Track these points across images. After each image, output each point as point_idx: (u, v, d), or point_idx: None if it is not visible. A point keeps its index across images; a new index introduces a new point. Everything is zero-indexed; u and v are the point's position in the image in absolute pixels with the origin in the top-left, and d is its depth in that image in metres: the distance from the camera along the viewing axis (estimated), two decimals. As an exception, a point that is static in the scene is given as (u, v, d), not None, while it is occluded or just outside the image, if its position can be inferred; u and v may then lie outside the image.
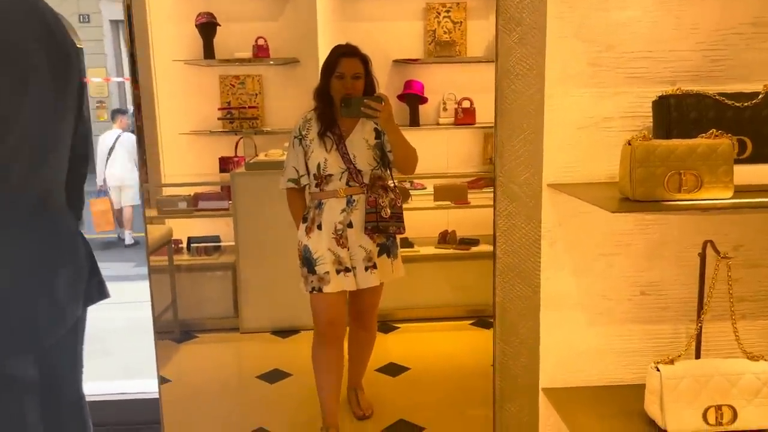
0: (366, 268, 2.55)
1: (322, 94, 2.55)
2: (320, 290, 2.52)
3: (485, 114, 5.03)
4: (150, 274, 3.01)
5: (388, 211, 2.46)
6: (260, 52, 4.86)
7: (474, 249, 3.98)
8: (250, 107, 5.06)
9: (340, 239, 2.53)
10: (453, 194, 3.82)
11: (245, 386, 3.14)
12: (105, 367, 3.75)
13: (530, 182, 1.90)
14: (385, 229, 2.49)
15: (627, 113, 1.88)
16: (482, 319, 3.91)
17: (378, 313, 2.80)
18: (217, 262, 3.89)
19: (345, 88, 2.46)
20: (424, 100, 4.22)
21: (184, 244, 4.08)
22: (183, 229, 4.80)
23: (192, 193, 4.02)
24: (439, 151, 4.33)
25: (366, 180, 2.53)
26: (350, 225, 2.52)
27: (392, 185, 2.56)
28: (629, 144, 1.53)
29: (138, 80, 3.72)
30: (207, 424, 2.88)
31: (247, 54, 4.81)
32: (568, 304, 1.97)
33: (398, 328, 3.64)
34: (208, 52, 4.82)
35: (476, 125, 5.05)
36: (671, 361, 1.65)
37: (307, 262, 2.55)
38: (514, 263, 1.97)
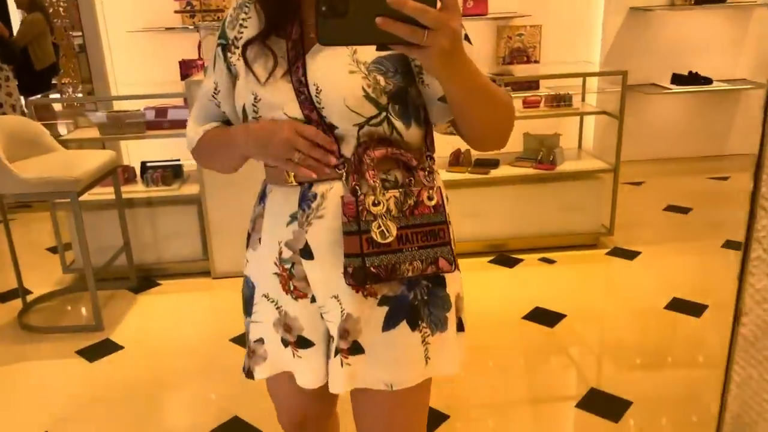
0: (336, 353, 1.08)
1: None
2: (249, 374, 1.20)
3: (499, 2, 4.21)
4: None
5: (392, 228, 1.00)
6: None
7: (493, 172, 3.27)
8: (213, -3, 4.18)
9: (288, 279, 1.11)
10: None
11: (218, 354, 2.52)
12: None
13: None
14: (387, 272, 1.00)
15: None
16: (503, 256, 3.28)
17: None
18: (179, 193, 3.16)
19: None
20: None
21: (138, 171, 3.34)
22: (135, 153, 4.03)
23: (142, 108, 3.21)
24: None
25: (348, 150, 1.03)
26: (307, 253, 1.07)
27: (421, 162, 1.07)
28: None
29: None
30: (169, 407, 2.28)
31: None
32: None
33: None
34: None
35: (489, 16, 4.23)
36: None
37: (245, 303, 1.21)
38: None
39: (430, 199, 1.03)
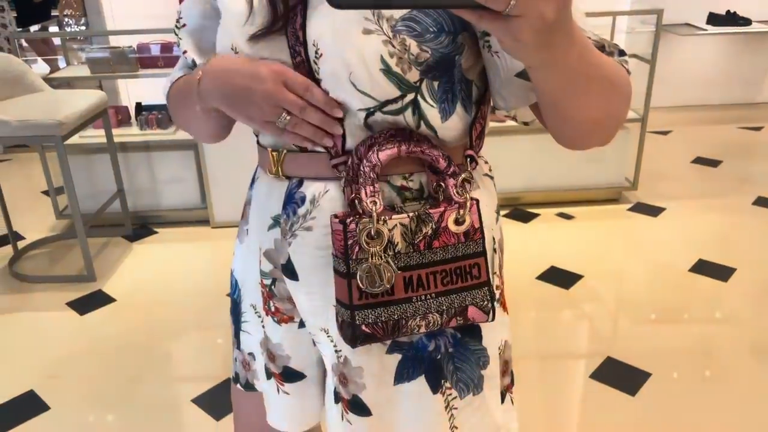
0: (336, 398, 0.82)
1: None
2: (247, 387, 0.97)
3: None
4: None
5: (387, 275, 0.69)
6: None
7: (508, 120, 3.03)
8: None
9: (269, 298, 0.85)
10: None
11: (216, 308, 2.41)
12: None
13: None
14: (386, 332, 0.71)
15: None
16: (518, 210, 3.10)
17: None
18: (176, 137, 2.97)
19: None
20: None
21: (132, 113, 3.15)
22: (134, 92, 3.83)
23: (134, 45, 2.99)
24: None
25: (353, 140, 0.72)
26: (289, 272, 0.80)
27: (453, 163, 0.73)
28: None
29: None
30: (161, 364, 2.18)
31: None
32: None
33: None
34: None
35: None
36: None
37: (233, 305, 0.96)
38: None
39: (459, 222, 0.71)
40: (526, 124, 0.77)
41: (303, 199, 0.75)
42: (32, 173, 3.80)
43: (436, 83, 0.69)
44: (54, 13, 6.14)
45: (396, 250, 0.69)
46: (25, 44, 6.28)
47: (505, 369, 0.85)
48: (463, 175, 0.72)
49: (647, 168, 3.24)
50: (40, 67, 5.64)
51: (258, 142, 0.82)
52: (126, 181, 2.96)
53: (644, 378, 1.95)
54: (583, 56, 0.58)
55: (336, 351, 0.79)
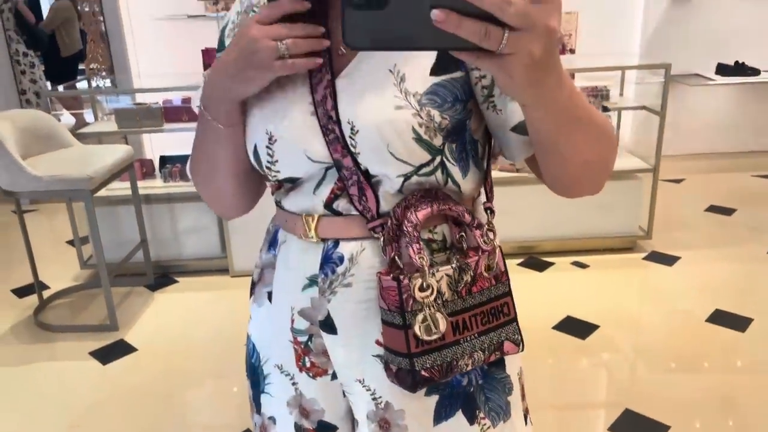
0: None
1: None
2: None
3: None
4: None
5: (441, 322, 0.76)
6: None
7: (523, 170, 3.10)
8: (237, -16, 4.07)
9: (304, 354, 0.88)
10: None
11: (234, 355, 2.44)
12: None
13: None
14: (441, 373, 0.77)
15: None
16: (533, 258, 3.13)
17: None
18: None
19: None
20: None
21: (156, 166, 3.26)
22: (158, 144, 3.97)
23: (161, 101, 3.12)
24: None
25: (387, 204, 0.79)
26: (328, 327, 0.84)
27: (474, 217, 0.80)
28: None
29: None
30: (181, 412, 2.21)
31: None
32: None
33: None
34: None
35: None
36: None
37: (251, 370, 0.97)
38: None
39: (489, 269, 0.79)
40: (518, 171, 0.84)
41: (341, 259, 0.81)
42: (57, 223, 3.91)
43: (454, 145, 0.77)
44: (80, 66, 6.39)
45: (444, 299, 0.76)
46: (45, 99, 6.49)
47: (523, 393, 0.92)
48: (487, 226, 0.80)
49: (661, 217, 3.27)
50: (67, 119, 5.85)
51: (284, 209, 0.86)
52: (149, 232, 3.04)
53: (664, 431, 1.95)
54: (573, 98, 0.64)
55: (374, 398, 0.84)
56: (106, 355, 2.49)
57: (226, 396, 2.25)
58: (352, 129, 0.75)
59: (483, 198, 0.85)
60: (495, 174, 3.09)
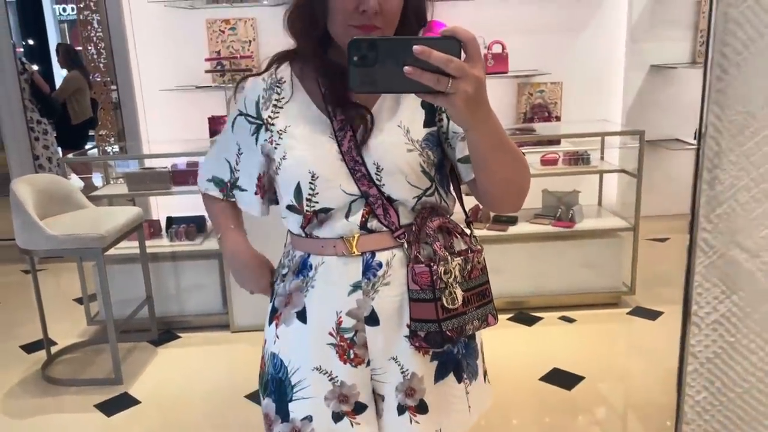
0: (401, 410, 1.13)
1: (312, 25, 1.05)
2: None
3: (520, 60, 4.28)
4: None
5: (459, 294, 1.06)
6: (251, -9, 4.11)
7: (512, 229, 3.28)
8: (242, 57, 4.35)
9: (349, 348, 1.12)
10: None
11: (233, 410, 2.54)
12: None
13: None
14: (457, 333, 1.07)
15: None
16: (522, 314, 3.25)
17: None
18: (202, 248, 3.24)
19: (360, 15, 1.00)
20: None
21: (163, 226, 3.43)
22: (165, 206, 4.16)
23: (168, 167, 3.33)
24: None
25: (405, 219, 1.10)
26: (372, 320, 1.11)
27: (459, 227, 1.15)
28: None
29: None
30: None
31: (236, -7, 4.06)
32: None
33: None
34: (190, -9, 4.07)
35: (509, 74, 4.31)
36: None
37: (277, 387, 1.17)
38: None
39: (479, 262, 1.11)
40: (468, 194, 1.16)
41: (380, 265, 1.10)
42: (63, 282, 4.05)
43: (439, 176, 1.11)
44: (90, 132, 6.67)
45: (458, 281, 1.06)
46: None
47: (483, 358, 1.25)
48: (473, 235, 1.15)
49: (645, 273, 3.41)
50: (75, 182, 6.07)
51: (317, 237, 1.12)
52: (153, 289, 3.18)
53: (644, 476, 2.03)
54: (497, 127, 0.92)
55: (402, 372, 1.12)
56: (111, 407, 2.58)
57: (226, 446, 2.34)
58: (377, 168, 1.06)
59: (463, 216, 1.19)
60: (485, 233, 3.26)
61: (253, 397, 2.60)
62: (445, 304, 1.04)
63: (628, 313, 3.22)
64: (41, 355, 3.00)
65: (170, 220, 3.40)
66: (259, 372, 1.23)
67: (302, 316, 1.14)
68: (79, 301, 3.63)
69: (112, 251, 3.12)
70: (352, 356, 1.12)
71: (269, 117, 1.11)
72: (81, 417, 2.54)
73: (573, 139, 3.77)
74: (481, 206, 3.36)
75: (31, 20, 8.04)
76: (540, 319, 3.20)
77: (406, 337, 1.10)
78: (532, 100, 4.48)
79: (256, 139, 1.13)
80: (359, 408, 1.14)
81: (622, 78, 4.59)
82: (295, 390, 1.14)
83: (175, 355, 3.05)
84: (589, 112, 4.45)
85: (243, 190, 1.20)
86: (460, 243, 1.12)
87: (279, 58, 1.14)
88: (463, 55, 0.80)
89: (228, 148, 1.20)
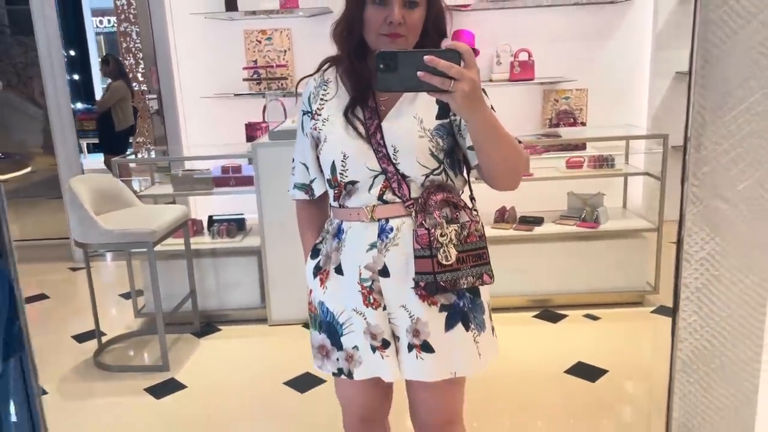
0: (410, 348, 1.40)
1: (350, 34, 1.36)
2: (350, 375, 1.47)
3: (546, 67, 4.41)
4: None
5: (453, 253, 1.31)
6: (288, 2, 4.31)
7: (537, 230, 3.40)
8: (278, 66, 4.55)
9: (369, 294, 1.40)
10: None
11: (272, 396, 2.70)
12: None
13: (758, 197, 1.09)
14: (451, 285, 1.33)
15: None
16: (547, 311, 3.37)
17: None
18: (242, 245, 3.42)
19: (387, 25, 1.29)
20: (475, 53, 3.56)
21: (205, 224, 3.63)
22: (203, 206, 4.36)
23: (209, 168, 3.52)
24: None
25: (415, 193, 1.37)
26: (384, 273, 1.39)
27: (463, 202, 1.42)
28: None
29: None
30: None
31: (274, 4, 4.27)
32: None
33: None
34: (231, 3, 4.29)
35: (535, 81, 4.43)
36: None
37: (327, 327, 1.48)
38: (714, 349, 1.20)
39: (477, 231, 1.37)
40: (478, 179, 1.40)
41: (392, 229, 1.38)
42: (107, 279, 4.27)
43: (449, 159, 1.38)
44: (130, 140, 6.96)
45: (453, 243, 1.32)
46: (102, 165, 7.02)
47: (490, 315, 1.48)
48: (473, 208, 1.42)
49: (669, 273, 3.48)
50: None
51: (347, 207, 1.41)
52: (196, 284, 3.37)
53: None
54: (491, 118, 1.18)
55: (410, 316, 1.39)
56: (159, 391, 2.77)
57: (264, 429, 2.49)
58: (395, 150, 1.35)
59: (468, 192, 1.46)
60: (512, 233, 3.39)
61: (291, 383, 2.76)
62: (440, 261, 1.31)
63: (652, 312, 3.31)
64: (92, 344, 3.19)
65: (212, 219, 3.59)
66: (308, 314, 1.54)
67: (339, 270, 1.44)
68: (124, 296, 3.85)
69: (158, 247, 3.32)
70: (372, 300, 1.40)
71: (317, 109, 1.43)
72: (132, 399, 2.72)
73: (598, 144, 3.88)
74: (507, 207, 3.49)
75: (74, 31, 8.39)
76: (565, 316, 3.31)
77: (412, 288, 1.36)
78: (557, 107, 4.59)
79: (311, 126, 1.42)
80: (385, 343, 1.41)
81: (647, 85, 4.68)
82: (344, 327, 1.45)
83: (216, 346, 3.22)
84: (615, 119, 4.55)
85: (313, 179, 1.49)
86: (463, 215, 1.37)
87: (327, 62, 1.45)
88: (462, 63, 1.07)
89: (302, 152, 1.48)
